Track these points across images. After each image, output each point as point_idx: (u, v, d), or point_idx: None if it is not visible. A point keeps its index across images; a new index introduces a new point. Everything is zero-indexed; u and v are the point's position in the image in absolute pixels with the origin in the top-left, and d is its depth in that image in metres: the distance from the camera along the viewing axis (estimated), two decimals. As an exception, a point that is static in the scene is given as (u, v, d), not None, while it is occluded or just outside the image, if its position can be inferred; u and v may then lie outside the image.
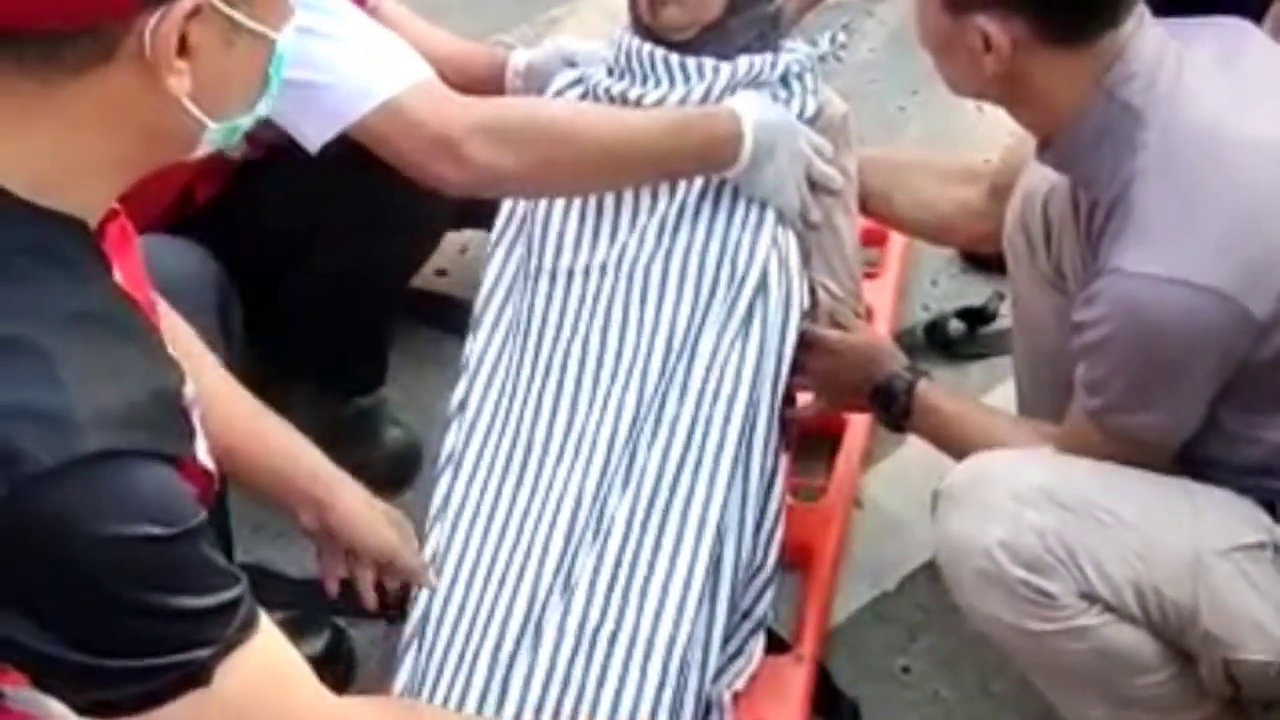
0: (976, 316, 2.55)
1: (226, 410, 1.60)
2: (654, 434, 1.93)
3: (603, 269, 2.02)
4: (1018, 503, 1.72)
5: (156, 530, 1.15)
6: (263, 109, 1.28)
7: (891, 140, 2.93)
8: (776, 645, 2.05)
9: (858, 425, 2.36)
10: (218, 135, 1.25)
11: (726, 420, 1.93)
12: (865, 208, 2.22)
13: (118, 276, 1.25)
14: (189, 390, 1.26)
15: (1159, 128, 1.69)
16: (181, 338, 1.53)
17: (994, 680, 2.09)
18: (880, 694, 2.09)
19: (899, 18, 3.15)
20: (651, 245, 2.02)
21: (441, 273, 2.68)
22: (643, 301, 2.00)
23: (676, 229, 2.03)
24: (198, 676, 1.20)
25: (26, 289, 1.16)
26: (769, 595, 1.98)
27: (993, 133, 2.70)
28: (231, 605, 1.22)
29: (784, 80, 2.07)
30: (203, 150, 1.27)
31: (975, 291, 2.57)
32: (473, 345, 2.05)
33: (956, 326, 2.55)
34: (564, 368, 2.00)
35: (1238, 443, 1.76)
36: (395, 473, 2.33)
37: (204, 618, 1.20)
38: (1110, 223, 1.72)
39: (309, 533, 1.76)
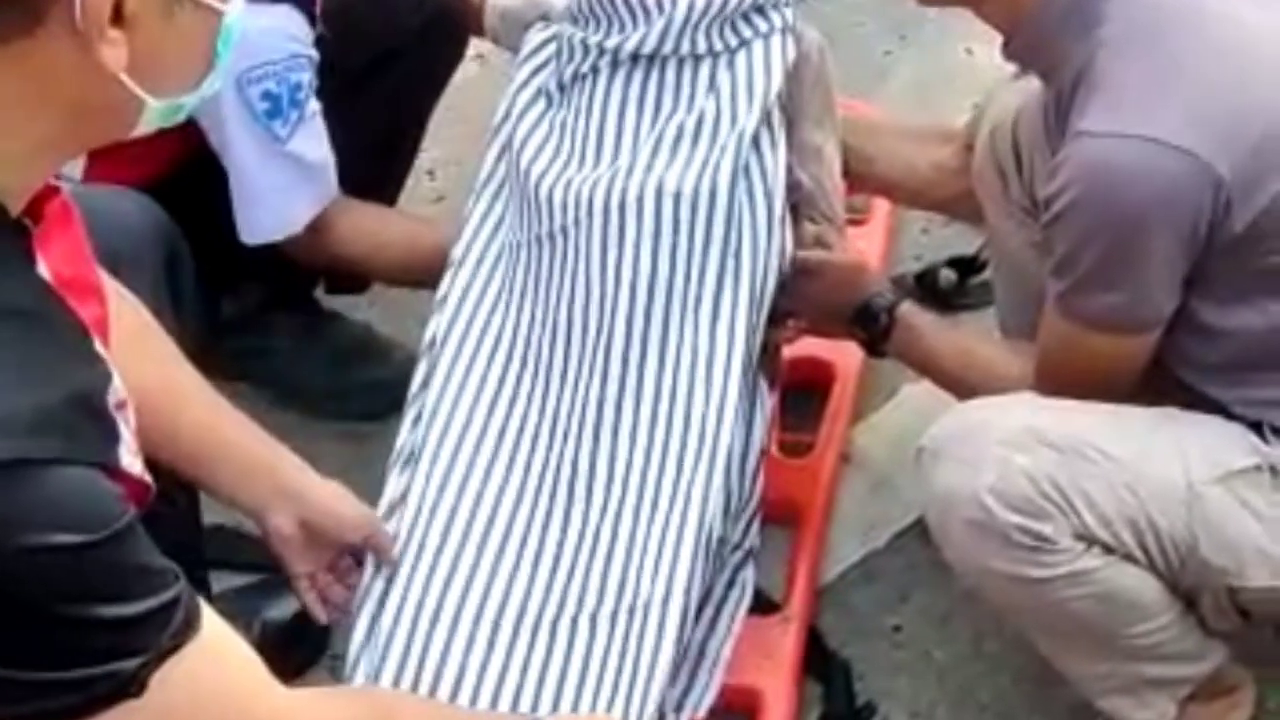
0: (968, 266, 2.51)
1: (174, 410, 1.53)
2: (639, 385, 1.88)
3: (564, 230, 1.95)
4: (1004, 447, 1.69)
5: (75, 538, 1.08)
6: (209, 88, 1.19)
7: (877, 86, 2.88)
8: (765, 606, 2.01)
9: (846, 378, 2.31)
10: (159, 114, 1.16)
11: (711, 351, 1.88)
12: (845, 169, 2.17)
13: (42, 267, 1.17)
14: (115, 391, 1.18)
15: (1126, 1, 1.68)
16: (128, 323, 1.44)
17: (987, 639, 2.05)
18: (871, 654, 2.06)
19: (885, -42, 3.08)
20: (605, 191, 1.94)
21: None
22: (603, 249, 1.92)
23: (630, 172, 1.95)
24: (128, 686, 1.14)
25: None
26: (756, 526, 1.95)
27: (980, 77, 2.65)
28: (165, 609, 1.16)
29: (760, 10, 1.99)
30: (142, 130, 1.18)
31: (966, 240, 2.52)
32: (452, 285, 1.98)
33: (947, 276, 2.51)
34: (543, 334, 1.93)
35: (1211, 338, 1.74)
36: (402, 390, 2.25)
37: (133, 625, 1.13)
38: (1075, 98, 1.71)
39: (279, 537, 1.69)
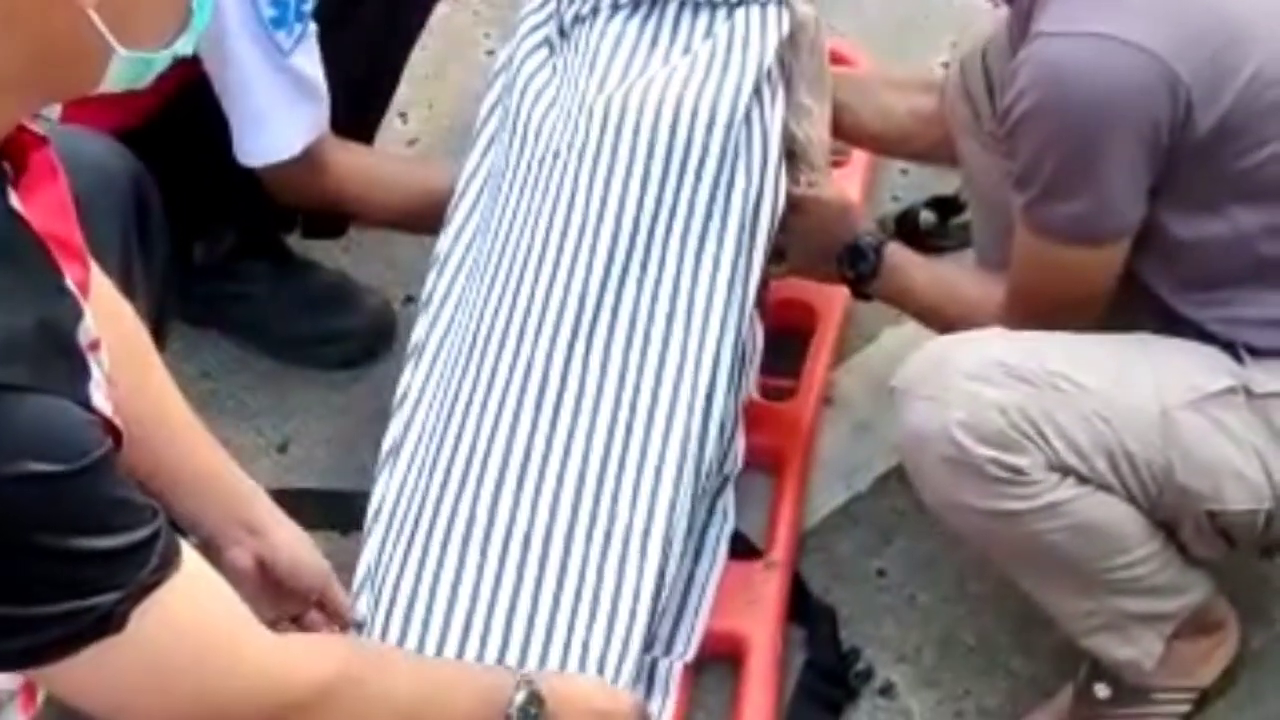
0: (948, 206, 2.48)
1: (153, 423, 1.47)
2: (615, 309, 1.90)
3: (556, 154, 1.96)
4: (974, 381, 1.68)
5: (50, 467, 1.06)
6: (182, 46, 1.15)
7: (854, 21, 2.84)
8: (748, 551, 1.99)
9: (827, 321, 2.29)
10: (127, 67, 1.12)
11: (693, 285, 1.91)
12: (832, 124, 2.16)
13: (14, 200, 1.13)
14: (86, 330, 1.15)
15: None
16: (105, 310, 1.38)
17: (972, 581, 2.04)
18: (855, 598, 2.04)
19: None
20: (602, 114, 1.96)
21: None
22: (592, 171, 1.94)
23: (626, 107, 1.96)
24: (108, 623, 1.12)
25: None
26: (736, 452, 1.96)
27: (959, 15, 2.63)
28: (145, 544, 1.14)
29: None
30: (109, 85, 1.14)
31: (946, 181, 2.49)
32: (442, 242, 2.00)
33: (927, 217, 2.48)
34: (520, 255, 1.94)
35: (1181, 252, 1.73)
36: (378, 337, 2.33)
37: (113, 559, 1.11)
38: (1034, 7, 1.70)
39: (234, 571, 1.59)
